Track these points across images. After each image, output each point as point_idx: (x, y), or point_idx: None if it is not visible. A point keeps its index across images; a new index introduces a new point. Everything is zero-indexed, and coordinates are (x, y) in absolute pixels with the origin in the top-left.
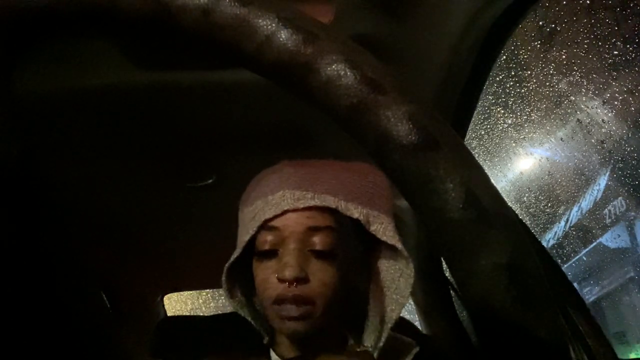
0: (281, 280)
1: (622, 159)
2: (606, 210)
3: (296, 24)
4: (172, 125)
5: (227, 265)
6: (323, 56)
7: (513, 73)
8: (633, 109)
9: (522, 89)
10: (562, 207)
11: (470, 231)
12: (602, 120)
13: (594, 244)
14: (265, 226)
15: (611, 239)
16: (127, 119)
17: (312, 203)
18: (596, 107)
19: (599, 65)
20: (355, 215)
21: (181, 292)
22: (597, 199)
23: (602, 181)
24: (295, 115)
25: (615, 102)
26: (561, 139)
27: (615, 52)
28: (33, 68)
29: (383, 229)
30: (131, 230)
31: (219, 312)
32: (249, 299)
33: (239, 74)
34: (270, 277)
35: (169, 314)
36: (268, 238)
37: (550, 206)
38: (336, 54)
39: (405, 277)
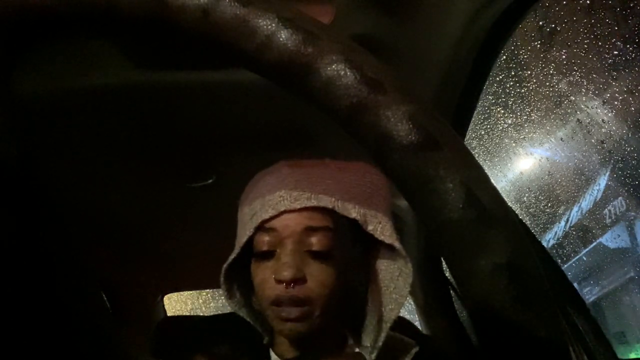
0: (278, 281)
1: (622, 159)
2: (606, 210)
3: (296, 24)
4: (172, 125)
5: (225, 265)
6: (323, 56)
7: (513, 73)
8: (633, 109)
9: (522, 89)
10: (562, 207)
11: (470, 231)
12: (602, 120)
13: (594, 244)
14: (262, 227)
15: (611, 239)
16: (127, 119)
17: (309, 203)
18: (596, 107)
19: (599, 65)
20: (353, 215)
21: (181, 292)
22: (597, 199)
23: (602, 181)
24: (294, 115)
25: (615, 102)
26: (561, 139)
27: (615, 52)
28: (33, 68)
29: (381, 229)
30: (131, 230)
31: (219, 312)
32: (248, 299)
33: (239, 74)
34: (268, 278)
35: (169, 314)
36: (266, 239)
37: (550, 206)
38: (336, 54)
39: (404, 277)
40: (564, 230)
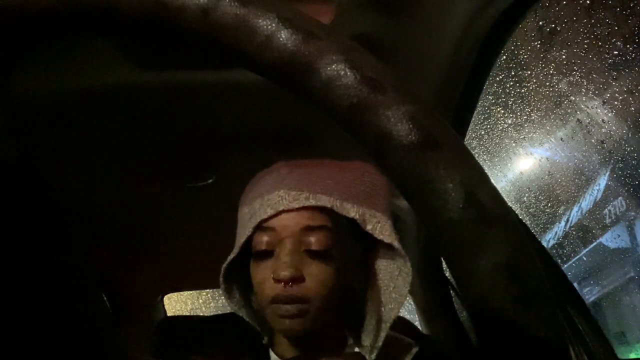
0: (277, 280)
1: (622, 159)
2: (606, 210)
3: (296, 24)
4: (172, 125)
5: (224, 265)
6: (323, 56)
7: (513, 73)
8: (633, 109)
9: (522, 89)
10: (562, 207)
11: (470, 231)
12: (602, 120)
13: (594, 244)
14: (261, 227)
15: (611, 239)
16: (127, 119)
17: (307, 203)
18: (596, 107)
19: (599, 65)
20: (352, 214)
21: (181, 292)
22: (597, 199)
23: (602, 181)
24: (294, 115)
25: (615, 102)
26: (561, 139)
27: (615, 52)
28: (33, 68)
29: (380, 228)
30: (131, 230)
31: (219, 312)
32: (248, 299)
33: (239, 74)
34: (267, 278)
35: (169, 314)
36: (264, 238)
37: (550, 206)
38: (336, 54)
39: (403, 276)
40: (564, 230)
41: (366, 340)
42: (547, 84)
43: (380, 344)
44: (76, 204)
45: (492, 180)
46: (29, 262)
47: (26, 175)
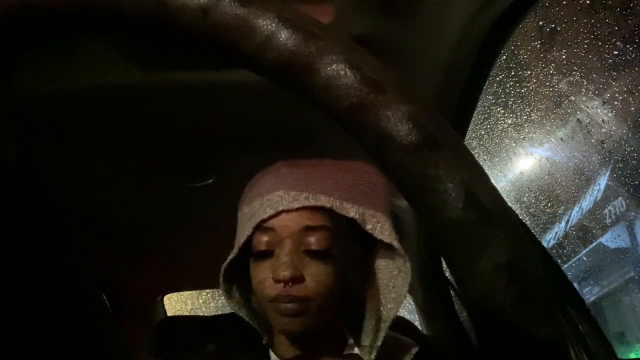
0: (276, 280)
1: (622, 159)
2: (606, 210)
3: (296, 24)
4: (172, 125)
5: (224, 265)
6: (323, 56)
7: (513, 73)
8: (633, 109)
9: (522, 89)
10: (562, 207)
11: (470, 231)
12: (602, 120)
13: (594, 244)
14: (261, 227)
15: (611, 239)
16: (127, 119)
17: (307, 203)
18: (596, 107)
19: (599, 65)
20: (351, 214)
21: (181, 292)
22: (597, 199)
23: (602, 181)
24: (294, 115)
25: (615, 102)
26: (561, 139)
27: (615, 52)
28: (33, 68)
29: (379, 228)
30: (131, 230)
31: (219, 312)
32: (247, 299)
33: (239, 74)
34: (267, 278)
35: (169, 314)
36: (264, 238)
37: (550, 206)
38: (336, 54)
39: (403, 276)
40: (564, 230)
41: (366, 340)
42: (547, 84)
43: (379, 343)
44: (76, 204)
45: (492, 180)
46: (29, 262)
47: (26, 175)
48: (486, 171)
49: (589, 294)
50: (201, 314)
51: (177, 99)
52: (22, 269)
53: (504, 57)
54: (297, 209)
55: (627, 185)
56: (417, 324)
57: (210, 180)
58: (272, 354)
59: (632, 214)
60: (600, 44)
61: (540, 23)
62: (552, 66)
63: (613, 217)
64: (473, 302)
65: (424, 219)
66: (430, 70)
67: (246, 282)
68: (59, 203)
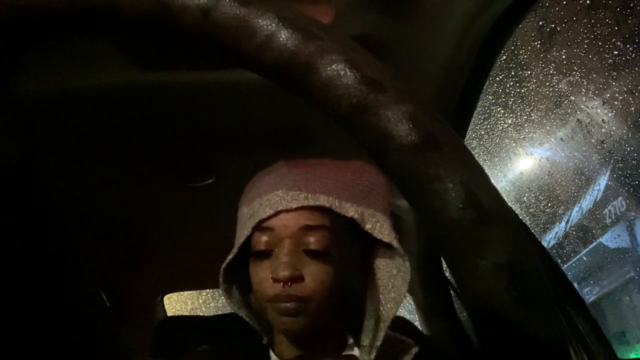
0: (276, 280)
1: (622, 159)
2: (606, 210)
3: (296, 24)
4: (172, 125)
5: (223, 265)
6: (323, 56)
7: (513, 73)
8: (633, 109)
9: (522, 89)
10: (562, 207)
11: (470, 231)
12: (602, 120)
13: (594, 244)
14: (260, 226)
15: (611, 239)
16: (127, 119)
17: (306, 203)
18: (596, 107)
19: (599, 65)
20: (350, 214)
21: (181, 292)
22: (597, 199)
23: (602, 181)
24: (295, 115)
25: (615, 102)
26: (561, 139)
27: (615, 52)
28: (33, 68)
29: (379, 228)
30: (131, 230)
31: (219, 312)
32: (247, 299)
33: (239, 74)
34: (266, 277)
35: (169, 314)
36: (263, 238)
37: (550, 206)
38: (336, 54)
39: (402, 275)
40: (564, 230)
41: (365, 340)
42: (547, 84)
43: (379, 343)
44: (76, 204)
45: (492, 180)
46: (29, 262)
47: (26, 175)
48: (486, 171)
49: (589, 294)
50: (201, 314)
51: (178, 98)
52: (22, 268)
53: (504, 57)
54: (297, 209)
55: (627, 185)
56: (417, 324)
57: (210, 180)
58: (272, 354)
59: (632, 214)
60: (600, 44)
61: (540, 23)
62: (552, 66)
63: (613, 217)
64: (473, 302)
65: (424, 219)
66: (430, 70)
67: (246, 282)
68: (59, 203)
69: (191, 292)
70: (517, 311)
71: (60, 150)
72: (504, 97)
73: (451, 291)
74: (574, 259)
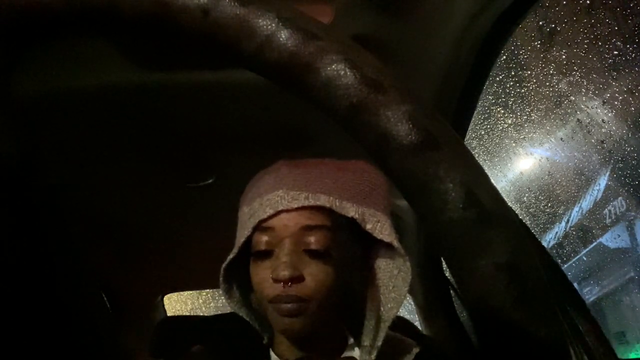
0: (276, 280)
1: (622, 159)
2: (606, 210)
3: (296, 24)
4: (172, 125)
5: (224, 265)
6: (323, 56)
7: (513, 73)
8: (633, 109)
9: (522, 89)
10: (562, 207)
11: (470, 231)
12: (602, 120)
13: (594, 244)
14: (261, 226)
15: (611, 239)
16: (127, 119)
17: (306, 203)
18: (596, 107)
19: (599, 65)
20: (351, 214)
21: (181, 292)
22: (597, 199)
23: (602, 181)
24: (295, 115)
25: (615, 102)
26: (561, 139)
27: (615, 52)
28: (33, 68)
29: (380, 227)
30: (131, 230)
31: (219, 312)
32: (247, 299)
33: (239, 74)
34: (266, 277)
35: (169, 314)
36: (263, 238)
37: (550, 206)
38: (336, 54)
39: (403, 275)
40: (564, 230)
41: (366, 340)
42: (547, 84)
43: (379, 343)
44: (76, 204)
45: (492, 180)
46: (29, 262)
47: (26, 175)
48: (486, 171)
49: (589, 294)
50: (201, 314)
51: (178, 99)
52: (22, 268)
53: (504, 57)
54: (297, 209)
55: (627, 185)
56: (417, 324)
57: (210, 180)
58: (272, 353)
59: (632, 214)
60: (600, 44)
61: (540, 23)
62: (552, 66)
63: (613, 217)
64: (473, 302)
65: (424, 219)
66: (430, 70)
67: (246, 282)
68: (59, 203)
69: (191, 292)
70: (517, 311)
71: (60, 150)
72: (504, 97)
73: (451, 291)
74: (574, 259)
